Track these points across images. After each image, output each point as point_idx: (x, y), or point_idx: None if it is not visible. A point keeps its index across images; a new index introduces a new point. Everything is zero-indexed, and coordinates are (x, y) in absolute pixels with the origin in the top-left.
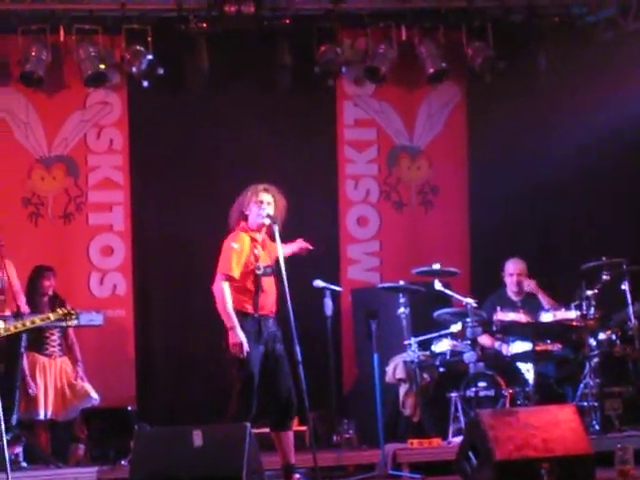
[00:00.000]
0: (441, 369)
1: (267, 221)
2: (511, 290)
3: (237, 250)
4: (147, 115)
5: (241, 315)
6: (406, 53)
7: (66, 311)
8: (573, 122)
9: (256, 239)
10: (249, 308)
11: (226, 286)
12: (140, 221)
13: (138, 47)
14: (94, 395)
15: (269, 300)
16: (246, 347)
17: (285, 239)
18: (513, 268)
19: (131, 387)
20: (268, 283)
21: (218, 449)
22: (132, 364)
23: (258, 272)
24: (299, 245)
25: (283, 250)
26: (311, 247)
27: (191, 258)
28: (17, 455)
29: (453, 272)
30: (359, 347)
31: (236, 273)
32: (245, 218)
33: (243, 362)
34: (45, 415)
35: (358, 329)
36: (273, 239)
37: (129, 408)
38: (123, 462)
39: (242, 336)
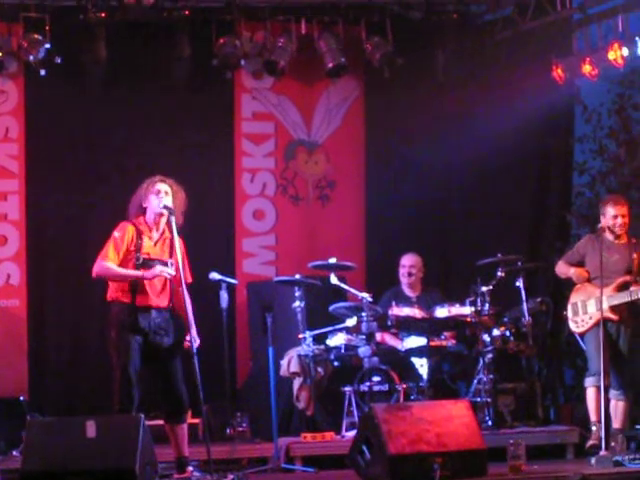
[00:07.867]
0: (335, 363)
1: (165, 211)
2: (403, 283)
3: (117, 239)
4: (44, 104)
5: (117, 305)
6: (305, 47)
7: None
8: (470, 120)
9: (142, 231)
10: (125, 298)
11: (105, 261)
12: (35, 211)
13: (36, 35)
14: None
15: (153, 292)
16: (159, 269)
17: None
18: (405, 260)
19: (24, 377)
20: None
21: (112, 440)
22: (25, 354)
23: (137, 263)
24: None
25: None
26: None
27: (86, 248)
28: None
29: (349, 266)
30: (254, 340)
31: (111, 260)
32: (144, 211)
33: (120, 351)
34: None
35: (253, 322)
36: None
37: (21, 398)
38: (15, 452)
39: (155, 271)
